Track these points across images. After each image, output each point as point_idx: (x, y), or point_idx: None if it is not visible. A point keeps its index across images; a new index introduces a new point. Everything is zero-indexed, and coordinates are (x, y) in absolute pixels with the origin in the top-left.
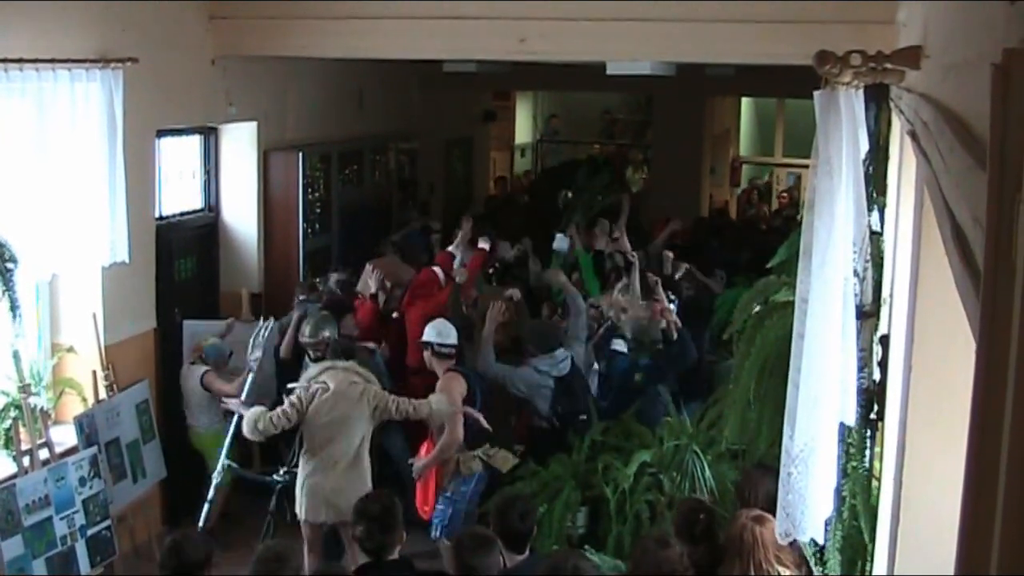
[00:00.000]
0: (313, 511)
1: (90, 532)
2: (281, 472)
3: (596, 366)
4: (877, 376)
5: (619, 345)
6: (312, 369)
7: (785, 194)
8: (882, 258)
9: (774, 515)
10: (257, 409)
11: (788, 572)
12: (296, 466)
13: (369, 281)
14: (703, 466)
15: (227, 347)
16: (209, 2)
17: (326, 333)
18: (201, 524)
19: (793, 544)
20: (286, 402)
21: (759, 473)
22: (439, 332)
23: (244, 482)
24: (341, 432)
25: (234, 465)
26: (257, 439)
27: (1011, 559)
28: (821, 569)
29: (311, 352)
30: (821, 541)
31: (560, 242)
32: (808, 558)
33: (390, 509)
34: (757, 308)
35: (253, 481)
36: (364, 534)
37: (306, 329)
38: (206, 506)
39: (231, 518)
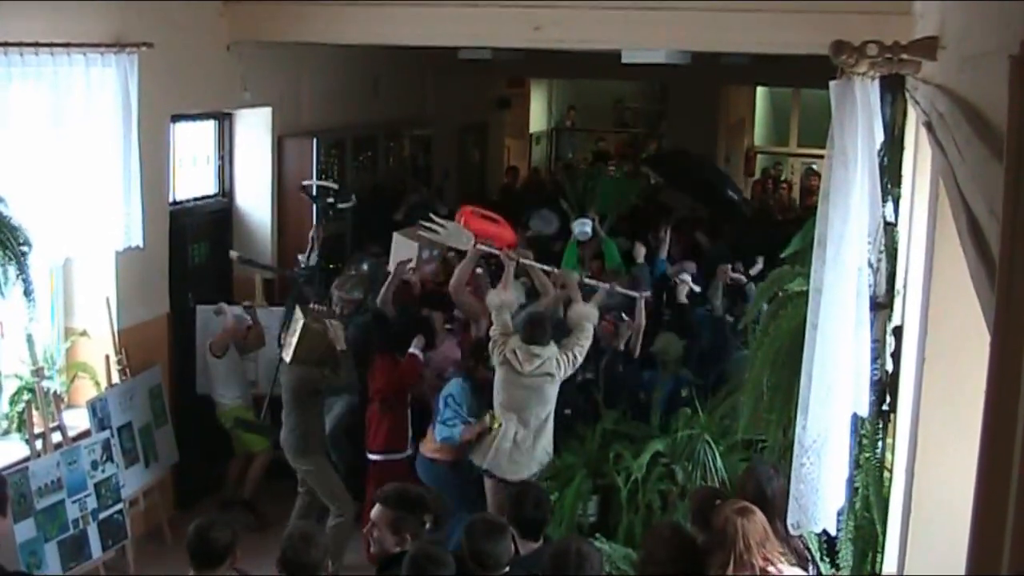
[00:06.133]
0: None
1: (102, 516)
2: None
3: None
4: (890, 367)
5: None
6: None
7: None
8: (896, 249)
9: (774, 510)
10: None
11: (773, 568)
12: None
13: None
14: (715, 456)
15: (246, 317)
16: None
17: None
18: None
19: (800, 537)
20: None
21: (756, 469)
22: None
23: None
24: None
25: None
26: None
27: (1023, 549)
28: (828, 562)
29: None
30: (833, 532)
31: (581, 226)
32: (813, 552)
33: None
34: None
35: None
36: (400, 521)
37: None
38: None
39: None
